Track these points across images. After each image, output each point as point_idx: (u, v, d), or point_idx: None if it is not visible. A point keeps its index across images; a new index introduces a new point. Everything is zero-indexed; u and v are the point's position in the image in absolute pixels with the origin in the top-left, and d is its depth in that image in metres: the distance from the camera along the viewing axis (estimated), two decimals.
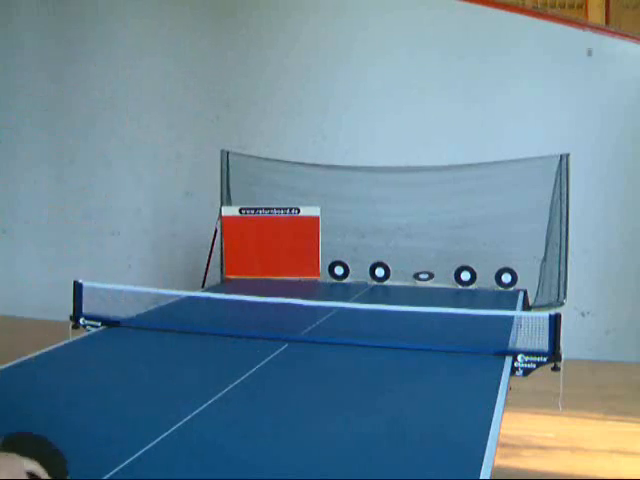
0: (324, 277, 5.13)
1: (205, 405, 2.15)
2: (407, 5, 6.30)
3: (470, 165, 5.72)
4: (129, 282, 4.94)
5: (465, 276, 4.88)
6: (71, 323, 3.35)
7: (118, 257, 7.03)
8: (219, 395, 2.26)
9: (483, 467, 1.69)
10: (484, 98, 6.15)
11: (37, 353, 2.78)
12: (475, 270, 4.89)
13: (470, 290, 4.85)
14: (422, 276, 5.06)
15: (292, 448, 1.85)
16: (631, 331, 5.97)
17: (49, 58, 7.17)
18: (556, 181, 5.47)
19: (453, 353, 2.90)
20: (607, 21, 8.59)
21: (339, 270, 5.13)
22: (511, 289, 4.77)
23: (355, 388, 2.46)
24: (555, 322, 2.89)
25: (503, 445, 3.78)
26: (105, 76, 7.01)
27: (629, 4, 8.81)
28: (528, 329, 3.05)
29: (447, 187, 5.84)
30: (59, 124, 7.17)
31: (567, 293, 5.36)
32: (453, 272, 4.93)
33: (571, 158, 5.41)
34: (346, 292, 4.74)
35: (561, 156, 5.44)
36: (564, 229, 5.40)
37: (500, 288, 4.80)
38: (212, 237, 5.53)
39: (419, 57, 6.28)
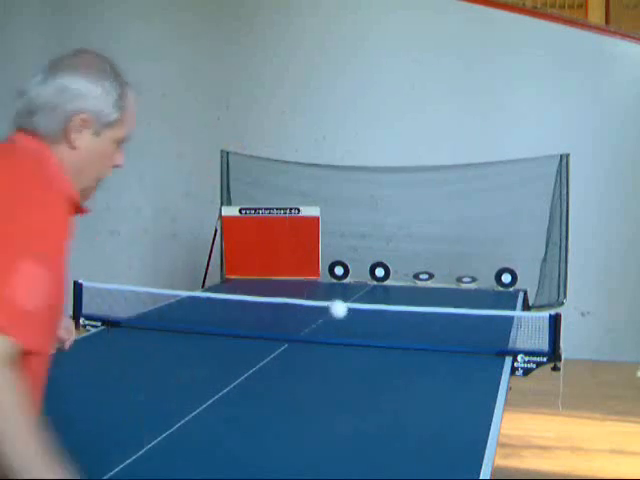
0: (324, 277, 5.13)
1: (205, 405, 2.15)
2: (407, 6, 6.30)
3: (470, 165, 5.72)
4: (129, 282, 4.95)
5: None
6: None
7: (118, 257, 7.02)
8: (219, 395, 2.26)
9: (483, 467, 1.69)
10: (484, 98, 6.15)
11: None
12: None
13: (470, 290, 4.85)
14: (422, 276, 5.06)
15: (292, 448, 1.86)
16: (631, 331, 5.97)
17: (49, 58, 7.16)
18: (556, 181, 5.47)
19: (453, 353, 2.90)
20: (607, 21, 8.57)
21: (339, 270, 5.13)
22: (511, 289, 4.77)
23: (355, 388, 2.47)
24: (555, 322, 2.89)
25: (503, 445, 3.77)
26: None
27: (629, 4, 8.79)
28: (528, 329, 3.06)
29: (447, 187, 5.84)
30: None
31: (567, 293, 5.36)
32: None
33: (571, 158, 5.42)
34: (346, 292, 4.74)
35: (561, 156, 5.44)
36: (564, 229, 5.40)
37: (500, 288, 4.80)
38: (212, 237, 5.53)
39: (419, 57, 6.27)
